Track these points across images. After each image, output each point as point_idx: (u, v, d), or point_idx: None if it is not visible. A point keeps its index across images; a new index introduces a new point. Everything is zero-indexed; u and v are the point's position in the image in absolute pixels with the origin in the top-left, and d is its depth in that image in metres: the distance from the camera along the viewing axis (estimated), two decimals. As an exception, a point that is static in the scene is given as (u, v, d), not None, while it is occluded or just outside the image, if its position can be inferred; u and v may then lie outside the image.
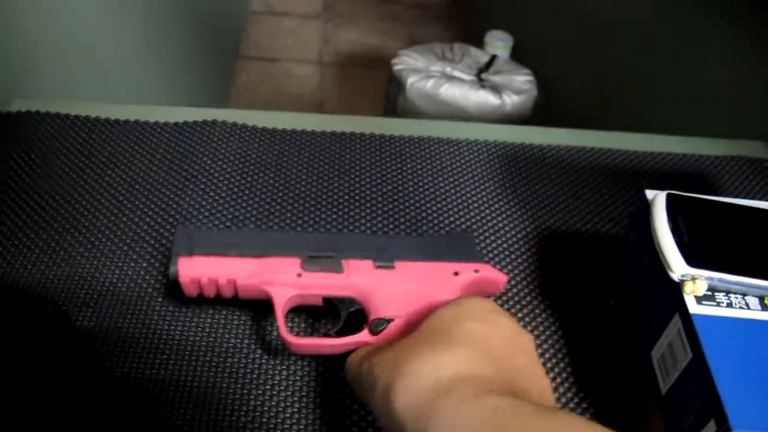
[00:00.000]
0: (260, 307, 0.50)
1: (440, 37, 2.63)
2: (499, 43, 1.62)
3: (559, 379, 0.50)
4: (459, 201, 0.63)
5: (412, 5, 2.92)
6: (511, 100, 1.35)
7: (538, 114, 1.42)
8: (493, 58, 1.49)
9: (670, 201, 0.44)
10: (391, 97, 1.45)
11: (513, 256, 0.58)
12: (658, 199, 0.44)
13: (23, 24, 0.83)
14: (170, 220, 0.57)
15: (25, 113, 0.66)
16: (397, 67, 1.42)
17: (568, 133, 0.75)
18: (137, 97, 1.34)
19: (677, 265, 0.40)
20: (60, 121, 0.66)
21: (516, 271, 0.57)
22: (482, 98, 1.34)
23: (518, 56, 1.74)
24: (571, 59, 1.50)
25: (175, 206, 0.58)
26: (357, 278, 0.44)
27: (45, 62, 0.89)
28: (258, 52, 2.51)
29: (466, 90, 1.35)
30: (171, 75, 1.67)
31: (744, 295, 0.41)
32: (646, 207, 0.46)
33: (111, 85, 1.21)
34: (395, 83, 1.41)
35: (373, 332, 0.42)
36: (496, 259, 0.58)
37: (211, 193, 0.60)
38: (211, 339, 0.48)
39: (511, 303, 0.55)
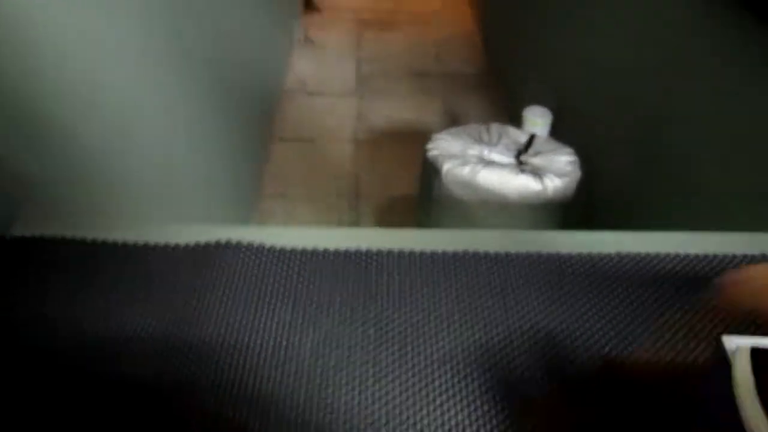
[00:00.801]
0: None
1: (475, 108, 2.59)
2: (538, 120, 1.56)
3: None
4: (507, 327, 0.55)
5: (446, 76, 2.90)
6: (553, 184, 1.28)
7: (580, 195, 1.35)
8: (532, 137, 1.43)
9: (755, 356, 0.36)
10: (426, 183, 1.39)
11: (572, 393, 0.50)
12: (741, 357, 0.37)
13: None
14: (184, 360, 0.51)
15: (20, 239, 0.62)
16: (431, 153, 1.37)
17: (618, 236, 0.68)
18: (168, 185, 1.31)
19: (776, 454, 0.32)
20: (56, 246, 0.62)
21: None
22: (522, 183, 1.28)
23: (557, 132, 1.68)
24: (614, 135, 1.43)
25: (184, 346, 0.52)
26: None
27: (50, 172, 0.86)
28: (293, 133, 2.51)
29: (506, 175, 1.28)
30: (204, 162, 1.66)
31: None
32: (723, 358, 0.38)
33: (143, 178, 1.19)
34: (430, 169, 1.36)
35: None
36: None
37: (222, 329, 0.54)
38: None
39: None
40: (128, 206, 1.13)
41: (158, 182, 1.28)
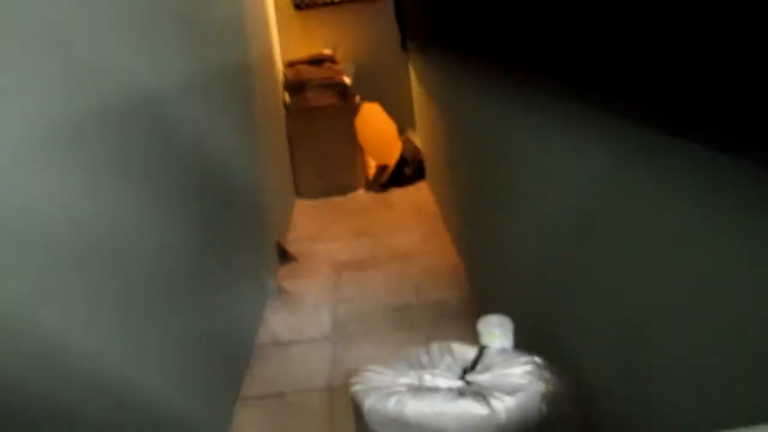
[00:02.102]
0: None
1: (460, 336, 2.35)
2: (495, 331, 1.33)
3: None
4: None
5: (427, 308, 2.71)
6: (504, 405, 1.00)
7: (558, 412, 1.07)
8: (481, 351, 1.19)
9: None
10: (356, 427, 1.12)
11: None
12: None
13: None
14: None
15: None
16: (354, 388, 1.12)
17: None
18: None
19: None
20: None
21: None
22: (463, 410, 1.00)
23: (535, 342, 1.44)
24: (602, 336, 1.19)
25: None
26: None
27: None
28: (262, 389, 2.26)
29: (439, 402, 1.01)
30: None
31: None
32: None
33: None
34: (356, 409, 1.10)
35: None
36: None
37: None
38: None
39: None
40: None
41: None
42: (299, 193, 4.36)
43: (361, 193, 4.40)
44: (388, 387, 1.09)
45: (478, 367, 1.15)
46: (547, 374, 1.11)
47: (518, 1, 1.34)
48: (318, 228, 3.87)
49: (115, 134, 1.31)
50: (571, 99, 1.17)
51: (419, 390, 1.08)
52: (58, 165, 1.06)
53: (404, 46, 4.09)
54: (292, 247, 3.48)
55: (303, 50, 4.42)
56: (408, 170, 4.34)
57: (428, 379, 1.12)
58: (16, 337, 0.94)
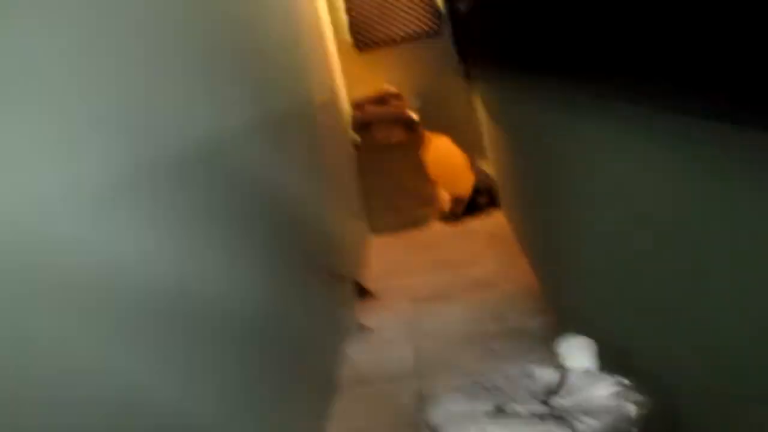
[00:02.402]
0: None
1: (544, 362, 2.27)
2: (575, 353, 1.27)
3: None
4: None
5: (510, 334, 2.64)
6: (590, 429, 0.95)
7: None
8: (564, 373, 1.13)
9: None
10: (434, 460, 1.08)
11: None
12: None
13: None
14: None
15: None
16: (430, 418, 1.08)
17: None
18: None
19: None
20: None
21: None
22: None
23: (622, 363, 1.37)
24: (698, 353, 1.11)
25: None
26: None
27: None
28: (348, 429, 2.24)
29: (521, 428, 0.97)
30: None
31: None
32: None
33: None
34: (433, 440, 1.07)
35: None
36: None
37: None
38: None
39: None
40: None
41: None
42: (374, 229, 4.37)
43: (435, 226, 4.38)
44: (466, 415, 1.06)
45: (561, 390, 1.10)
46: (634, 396, 1.04)
47: (588, 13, 1.29)
48: (394, 263, 3.87)
49: (180, 182, 1.34)
50: (656, 105, 1.11)
51: (502, 416, 1.04)
52: (123, 217, 1.09)
53: (466, 76, 4.08)
54: (369, 284, 3.48)
55: (367, 89, 4.49)
56: (482, 200, 4.29)
57: (508, 405, 1.08)
58: (96, 388, 0.96)
